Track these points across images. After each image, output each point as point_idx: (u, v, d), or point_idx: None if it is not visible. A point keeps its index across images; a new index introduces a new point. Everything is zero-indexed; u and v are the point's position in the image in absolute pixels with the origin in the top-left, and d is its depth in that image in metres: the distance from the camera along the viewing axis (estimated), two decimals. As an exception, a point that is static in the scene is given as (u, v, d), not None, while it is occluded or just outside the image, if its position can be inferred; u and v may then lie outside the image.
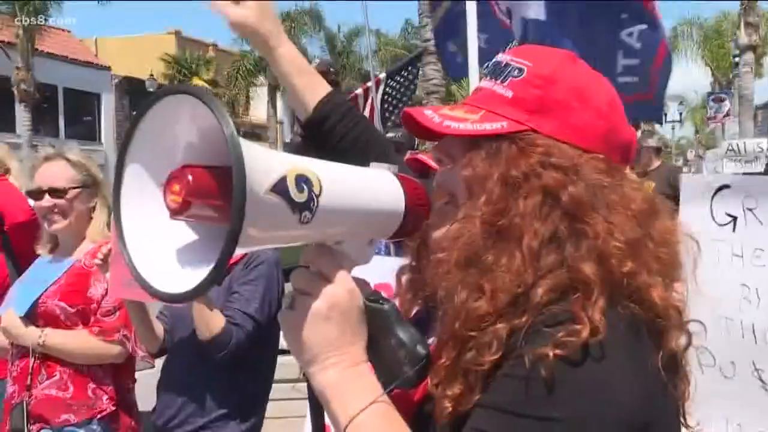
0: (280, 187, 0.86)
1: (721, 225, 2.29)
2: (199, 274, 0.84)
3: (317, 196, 0.90)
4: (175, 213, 0.87)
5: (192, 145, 0.89)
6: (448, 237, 1.03)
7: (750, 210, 2.26)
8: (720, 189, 2.32)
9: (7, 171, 3.87)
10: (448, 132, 1.04)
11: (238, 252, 0.84)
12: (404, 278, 1.20)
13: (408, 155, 4.09)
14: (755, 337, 2.20)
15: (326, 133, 1.59)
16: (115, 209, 0.92)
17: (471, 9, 3.66)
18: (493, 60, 1.14)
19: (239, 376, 2.61)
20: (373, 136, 1.67)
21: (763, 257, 2.22)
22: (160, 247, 0.90)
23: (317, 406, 1.01)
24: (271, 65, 1.59)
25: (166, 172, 0.88)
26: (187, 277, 0.85)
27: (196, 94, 0.84)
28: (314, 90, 1.59)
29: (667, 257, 1.02)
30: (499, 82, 1.08)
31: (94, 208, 2.85)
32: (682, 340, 1.00)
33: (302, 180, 0.89)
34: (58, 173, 2.81)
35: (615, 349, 0.92)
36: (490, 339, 0.94)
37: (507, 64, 1.09)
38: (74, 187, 2.80)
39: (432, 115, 1.07)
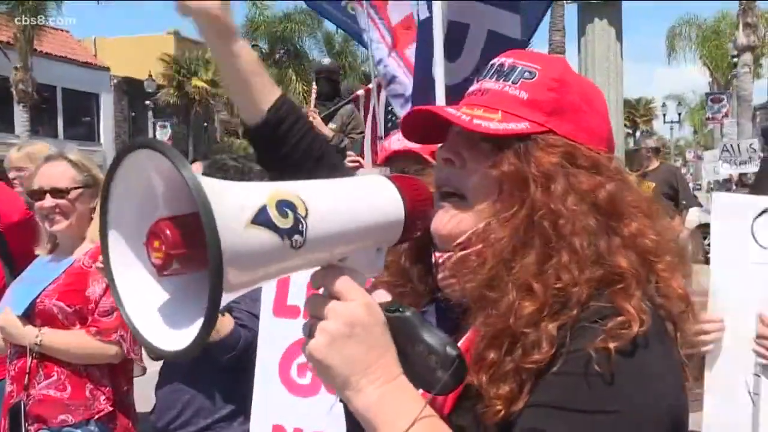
0: (261, 218, 0.84)
1: (764, 248, 2.24)
2: (195, 328, 0.82)
3: (304, 218, 0.88)
4: (161, 269, 0.84)
5: (168, 196, 0.87)
6: (480, 236, 1.03)
7: None
8: (763, 212, 2.28)
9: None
10: (479, 130, 1.04)
11: (228, 298, 0.83)
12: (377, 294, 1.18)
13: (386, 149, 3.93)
14: None
15: (279, 139, 1.51)
16: (107, 273, 0.90)
17: (437, 9, 3.50)
18: (492, 62, 1.14)
19: (242, 377, 2.60)
20: (325, 145, 1.61)
21: None
22: (155, 303, 0.88)
23: (356, 429, 0.97)
24: (227, 61, 1.49)
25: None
26: (186, 332, 0.83)
27: (150, 145, 0.83)
28: (268, 91, 1.51)
29: (677, 252, 1.06)
30: (509, 83, 1.09)
31: (94, 208, 2.85)
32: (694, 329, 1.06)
33: (284, 205, 0.86)
34: (59, 173, 2.82)
35: (654, 341, 0.96)
36: (539, 336, 0.95)
37: (513, 67, 1.10)
38: (76, 188, 2.80)
39: (458, 113, 1.07)
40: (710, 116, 27.32)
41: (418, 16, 3.77)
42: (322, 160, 1.54)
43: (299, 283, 2.31)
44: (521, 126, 1.05)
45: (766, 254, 2.21)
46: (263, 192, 0.87)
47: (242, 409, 2.63)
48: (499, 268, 0.99)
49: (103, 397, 2.74)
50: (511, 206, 1.02)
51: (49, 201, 2.78)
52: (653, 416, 0.93)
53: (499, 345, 0.97)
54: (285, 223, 0.86)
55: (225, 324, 2.48)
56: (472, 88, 1.14)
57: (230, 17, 1.48)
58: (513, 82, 1.09)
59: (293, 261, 0.90)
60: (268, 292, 2.44)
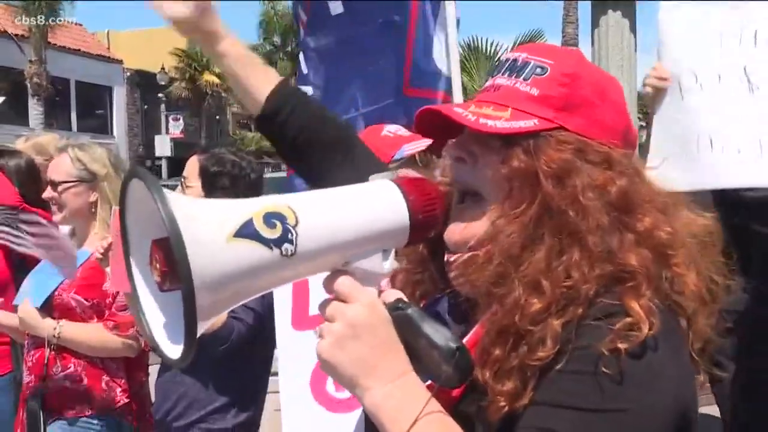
0: (246, 231, 0.88)
1: None
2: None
3: (294, 227, 0.91)
4: (161, 286, 0.90)
5: None
6: (489, 234, 1.03)
7: None
8: None
9: (50, 159, 3.91)
10: (485, 130, 1.04)
11: (226, 309, 0.91)
12: (399, 280, 1.17)
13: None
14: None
15: (281, 127, 1.53)
16: (133, 294, 0.96)
17: (450, 8, 3.38)
18: (506, 57, 1.14)
19: (236, 368, 2.61)
20: (335, 126, 1.59)
21: None
22: (165, 315, 0.94)
23: (371, 428, 0.98)
24: (217, 60, 1.54)
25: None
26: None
27: (134, 174, 0.89)
28: (264, 82, 1.52)
29: (693, 247, 1.05)
30: (521, 79, 1.09)
31: (94, 203, 2.86)
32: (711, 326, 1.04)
33: (272, 216, 0.90)
34: (58, 166, 2.89)
35: (663, 341, 0.96)
36: (544, 334, 0.95)
37: (526, 62, 1.10)
38: (66, 182, 2.83)
39: (465, 112, 1.06)
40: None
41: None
42: (336, 144, 1.53)
43: (321, 291, 2.14)
44: (530, 123, 1.04)
45: None
46: (251, 207, 0.91)
47: (236, 400, 2.65)
48: (506, 265, 0.99)
49: (119, 389, 2.77)
50: (521, 203, 1.02)
51: (48, 192, 2.87)
52: (660, 416, 0.94)
53: (504, 341, 0.97)
54: (272, 234, 0.89)
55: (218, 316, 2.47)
56: (486, 84, 1.15)
57: (209, 19, 1.48)
58: (524, 79, 1.08)
59: (289, 269, 0.94)
60: (283, 305, 2.29)
